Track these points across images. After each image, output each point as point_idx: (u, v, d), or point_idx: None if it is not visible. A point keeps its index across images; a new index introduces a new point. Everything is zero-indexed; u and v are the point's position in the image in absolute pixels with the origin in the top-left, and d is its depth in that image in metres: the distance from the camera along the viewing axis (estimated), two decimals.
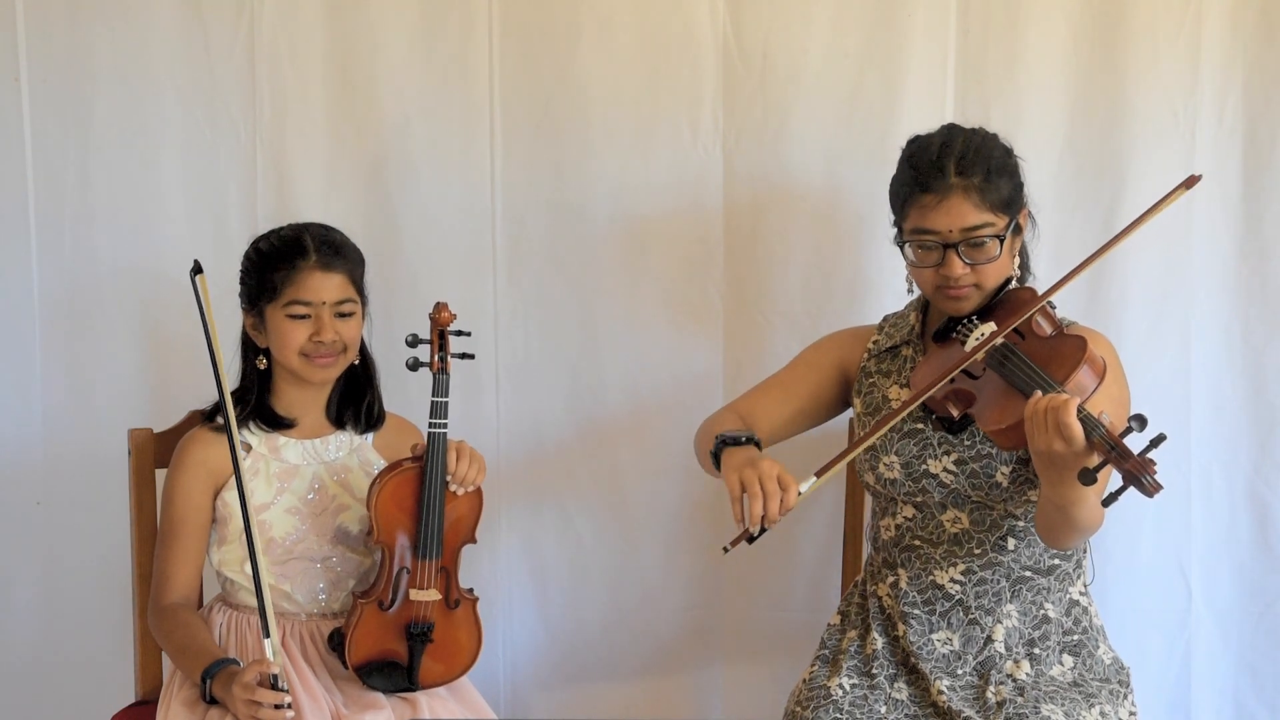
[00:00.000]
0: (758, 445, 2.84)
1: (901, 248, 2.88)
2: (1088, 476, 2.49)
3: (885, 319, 3.08)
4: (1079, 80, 3.36)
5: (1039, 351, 2.70)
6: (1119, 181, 3.36)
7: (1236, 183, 3.36)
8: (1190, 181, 2.82)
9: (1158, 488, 2.45)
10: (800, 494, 2.69)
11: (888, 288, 3.35)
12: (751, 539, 2.70)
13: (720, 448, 2.84)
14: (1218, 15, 3.31)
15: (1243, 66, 3.33)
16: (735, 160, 3.46)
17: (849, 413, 3.19)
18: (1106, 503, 2.51)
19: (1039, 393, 2.58)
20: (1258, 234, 3.37)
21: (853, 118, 3.41)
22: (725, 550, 2.71)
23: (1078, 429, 2.49)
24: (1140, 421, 2.49)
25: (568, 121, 3.47)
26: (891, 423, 2.79)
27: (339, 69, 3.48)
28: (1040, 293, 2.82)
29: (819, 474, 2.74)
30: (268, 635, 2.68)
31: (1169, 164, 3.34)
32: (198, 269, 2.81)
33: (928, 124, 3.15)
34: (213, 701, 2.81)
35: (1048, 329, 2.76)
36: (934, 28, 3.38)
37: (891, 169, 3.28)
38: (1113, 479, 2.52)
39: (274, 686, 2.68)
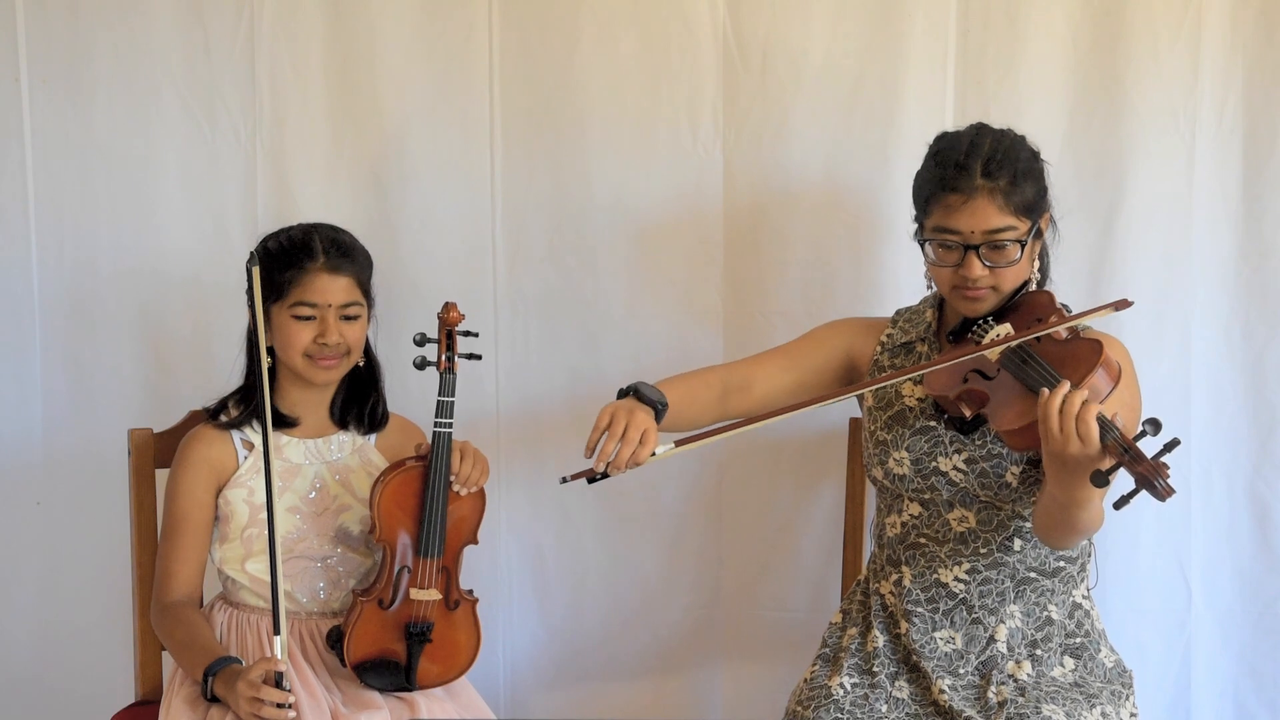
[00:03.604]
0: (659, 415, 2.80)
1: (922, 245, 2.88)
2: (1100, 479, 2.49)
3: (899, 313, 3.08)
4: (1079, 80, 3.36)
5: (1054, 354, 2.70)
6: (1119, 181, 3.36)
7: (1236, 183, 3.36)
8: (1120, 304, 2.82)
9: (1170, 492, 2.45)
10: (654, 454, 2.71)
11: (888, 287, 3.36)
12: (592, 479, 2.71)
13: (628, 391, 2.83)
14: (1218, 15, 3.31)
15: (1243, 66, 3.33)
16: (735, 160, 3.46)
17: (852, 408, 3.19)
18: (1118, 505, 2.50)
19: (1046, 390, 2.57)
20: (1258, 234, 3.37)
21: (853, 118, 3.41)
22: (564, 480, 2.72)
23: (1095, 429, 2.50)
24: (1154, 425, 2.50)
25: (568, 121, 3.48)
26: (813, 405, 2.83)
27: (339, 69, 3.48)
28: (1056, 297, 2.83)
29: (679, 443, 2.76)
30: (278, 632, 2.68)
31: (1169, 164, 3.35)
32: (254, 259, 2.81)
33: (928, 124, 3.17)
34: (214, 699, 2.82)
35: (1063, 332, 2.76)
36: (934, 28, 3.38)
37: (892, 168, 3.30)
38: (1126, 482, 2.52)
39: (278, 685, 2.68)
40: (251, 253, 2.84)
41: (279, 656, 2.69)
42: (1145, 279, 3.36)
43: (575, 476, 2.72)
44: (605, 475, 2.71)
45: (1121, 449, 2.49)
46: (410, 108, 3.48)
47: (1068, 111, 3.37)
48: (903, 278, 3.29)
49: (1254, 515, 3.44)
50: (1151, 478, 2.46)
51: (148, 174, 3.50)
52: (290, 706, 2.70)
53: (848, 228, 3.44)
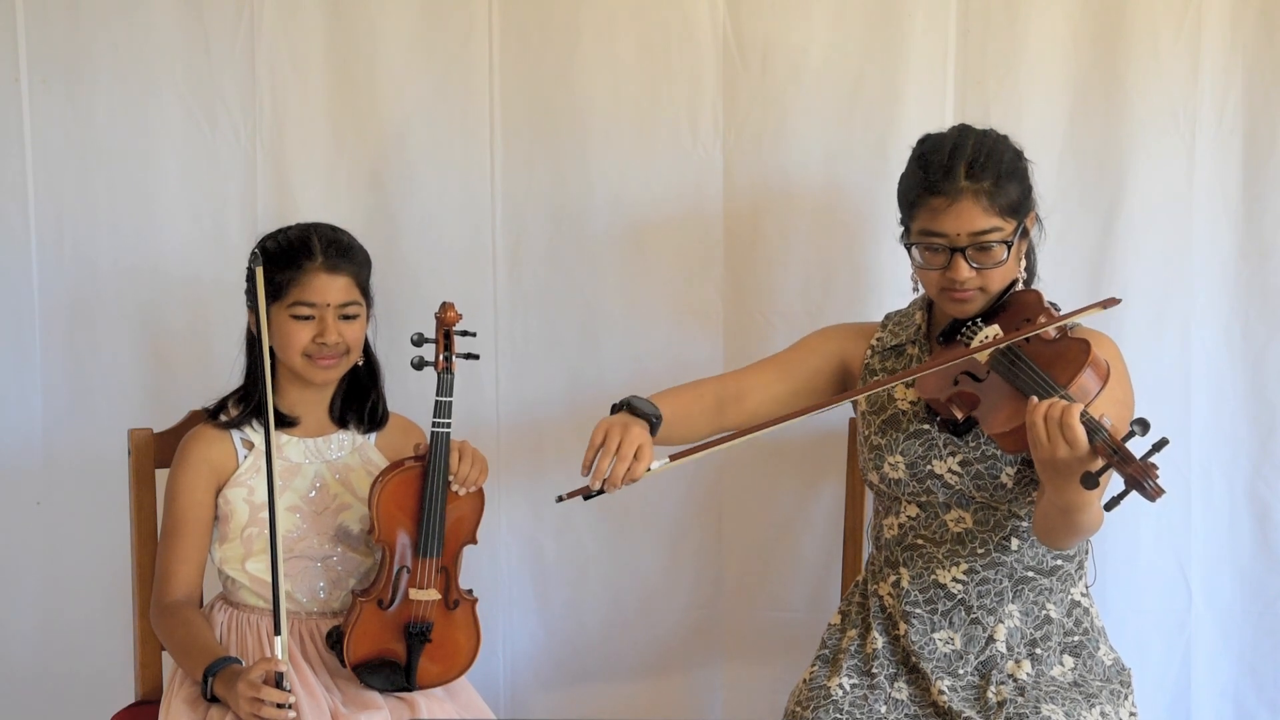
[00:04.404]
0: (653, 429, 2.80)
1: (908, 248, 2.88)
2: (1090, 480, 2.49)
3: (888, 316, 3.08)
4: (1079, 80, 3.36)
5: (1043, 354, 2.70)
6: (1119, 181, 3.36)
7: (1236, 183, 3.36)
8: (1108, 303, 2.82)
9: (1160, 492, 2.45)
10: (649, 470, 2.72)
11: (887, 288, 3.35)
12: (587, 496, 2.72)
13: (621, 406, 2.83)
14: (1218, 15, 3.31)
15: (1243, 66, 3.33)
16: (735, 160, 3.46)
17: (849, 411, 3.19)
18: (1108, 507, 2.51)
19: (1035, 398, 2.58)
20: (1258, 234, 3.37)
21: (853, 118, 3.41)
22: (559, 499, 2.73)
23: (1082, 434, 2.49)
24: (1143, 426, 2.50)
25: (568, 122, 3.48)
26: (804, 415, 2.83)
27: (339, 69, 3.48)
28: (1044, 296, 2.83)
29: (672, 458, 2.76)
30: (279, 632, 2.68)
31: (1169, 164, 3.35)
32: (258, 259, 2.80)
33: (928, 124, 3.15)
34: (214, 700, 2.82)
35: (1052, 332, 2.76)
36: (934, 28, 3.38)
37: (891, 168, 3.28)
38: (1115, 483, 2.52)
39: (279, 685, 2.69)
40: (255, 252, 2.84)
41: (279, 657, 2.69)
42: (1145, 278, 3.36)
43: (571, 495, 2.73)
44: (601, 492, 2.71)
45: (1110, 450, 2.49)
46: (410, 108, 3.48)
47: (1068, 111, 3.37)
48: (902, 278, 3.25)
49: (1254, 515, 3.44)
50: (1140, 478, 2.46)
51: (148, 174, 3.50)
52: (290, 707, 2.70)
53: (847, 228, 3.44)
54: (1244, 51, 3.33)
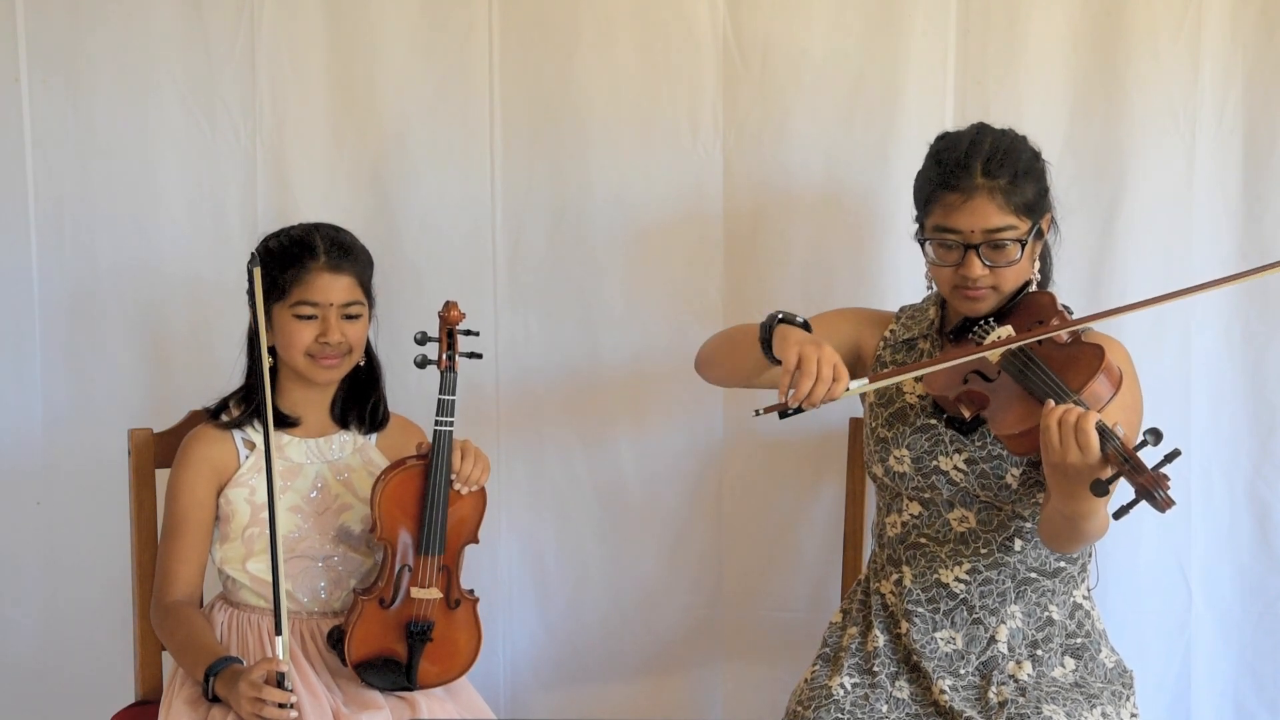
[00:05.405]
0: (808, 329, 2.79)
1: (922, 244, 2.87)
2: (1100, 488, 2.48)
3: (903, 309, 3.08)
4: (1079, 80, 3.36)
5: (1055, 358, 2.69)
6: (1119, 181, 3.36)
7: (1236, 182, 3.36)
8: None
9: (1170, 503, 2.45)
10: (848, 390, 2.67)
11: (888, 287, 3.36)
12: (784, 414, 2.67)
13: (776, 323, 2.81)
14: (1218, 15, 3.31)
15: (1243, 66, 3.33)
16: (735, 160, 3.46)
17: (852, 408, 3.19)
18: (1117, 515, 2.50)
19: (1051, 402, 2.57)
20: (1258, 234, 3.36)
21: (853, 118, 3.41)
22: (756, 413, 2.69)
23: (1096, 441, 2.49)
24: (1155, 436, 2.49)
25: (568, 122, 3.48)
26: (937, 367, 2.78)
27: (339, 69, 3.48)
28: (1058, 299, 2.82)
29: (872, 379, 2.73)
30: (280, 633, 2.68)
31: (1169, 164, 3.35)
32: (255, 260, 2.80)
33: (928, 124, 3.17)
34: (214, 700, 2.82)
35: (1065, 335, 2.75)
36: (934, 28, 3.38)
37: (892, 168, 3.31)
38: (1125, 491, 2.51)
39: (280, 685, 2.68)
40: (253, 253, 2.84)
41: (280, 657, 2.69)
42: (1145, 279, 3.35)
43: (769, 410, 2.67)
44: (799, 410, 2.67)
45: (1122, 458, 2.48)
46: (410, 108, 3.48)
47: (1068, 111, 3.37)
48: (903, 278, 3.29)
49: (1254, 515, 3.44)
50: (1151, 489, 2.45)
51: (148, 174, 3.50)
52: (292, 706, 2.70)
53: (848, 228, 3.44)
54: (1244, 51, 3.33)
